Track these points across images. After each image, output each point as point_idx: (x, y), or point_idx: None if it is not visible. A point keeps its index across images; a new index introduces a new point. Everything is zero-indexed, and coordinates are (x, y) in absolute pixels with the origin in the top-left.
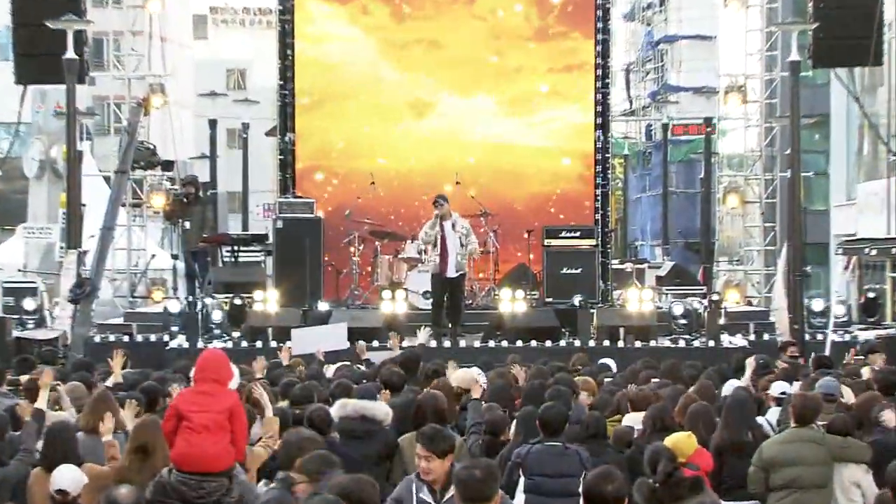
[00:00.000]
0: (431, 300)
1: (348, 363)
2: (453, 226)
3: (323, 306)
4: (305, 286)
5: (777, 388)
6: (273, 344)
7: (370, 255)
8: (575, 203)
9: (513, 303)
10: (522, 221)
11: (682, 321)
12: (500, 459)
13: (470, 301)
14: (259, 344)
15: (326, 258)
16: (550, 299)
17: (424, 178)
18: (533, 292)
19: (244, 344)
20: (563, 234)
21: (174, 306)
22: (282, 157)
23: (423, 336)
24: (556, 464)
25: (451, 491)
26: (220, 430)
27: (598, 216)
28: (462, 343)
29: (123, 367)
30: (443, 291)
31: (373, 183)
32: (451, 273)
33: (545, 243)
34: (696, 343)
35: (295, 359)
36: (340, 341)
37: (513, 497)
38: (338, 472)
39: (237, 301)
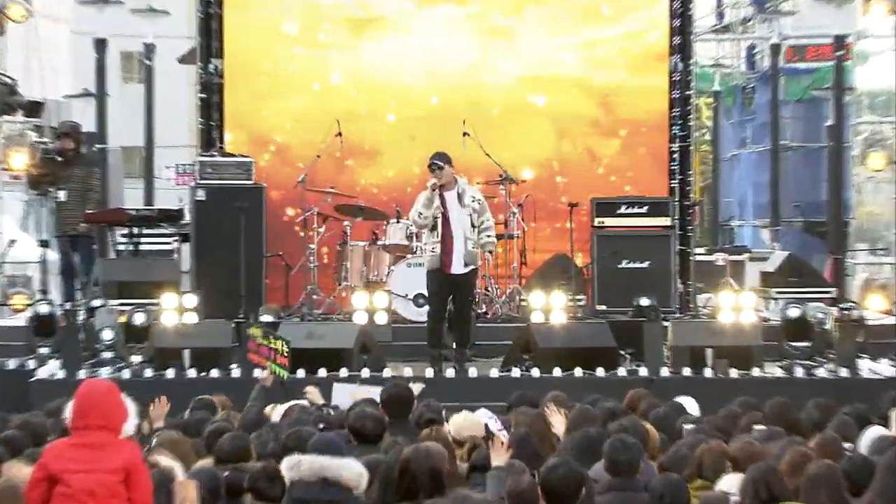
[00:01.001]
0: (428, 308)
1: (306, 402)
2: (460, 198)
3: (266, 317)
4: (239, 287)
5: None
6: (191, 373)
7: (336, 241)
8: (640, 164)
9: (548, 312)
10: (562, 191)
11: (801, 340)
12: None
13: (484, 310)
14: (170, 374)
15: (271, 246)
16: (603, 306)
17: (417, 127)
18: (577, 296)
19: (148, 373)
20: (622, 210)
21: (43, 317)
22: (204, 95)
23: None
24: None
25: None
26: (111, 497)
27: (676, 183)
28: (472, 372)
29: None
30: (444, 296)
31: (339, 134)
32: (457, 268)
33: (596, 223)
34: (822, 372)
35: (220, 396)
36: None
37: None
38: None
39: (138, 311)
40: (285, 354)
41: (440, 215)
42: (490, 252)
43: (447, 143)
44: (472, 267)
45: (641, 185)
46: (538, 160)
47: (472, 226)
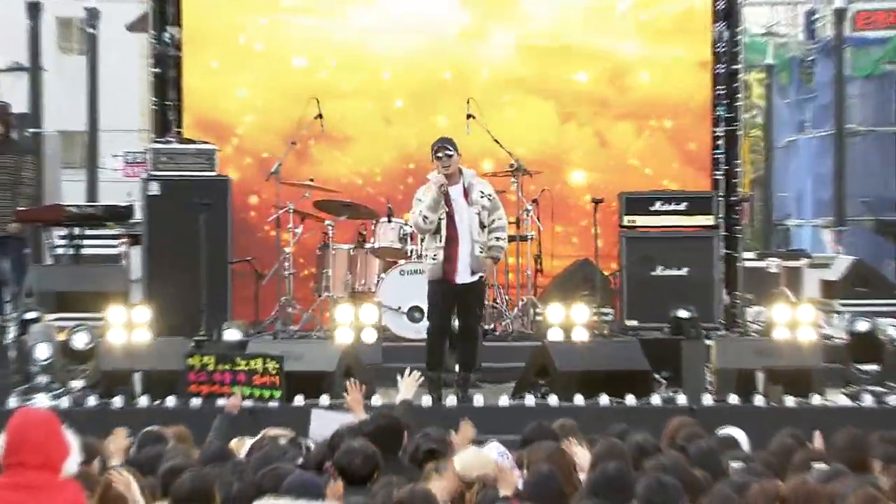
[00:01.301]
0: (428, 325)
1: (277, 435)
2: (467, 192)
3: (232, 334)
4: (200, 299)
5: None
6: (143, 401)
7: (315, 244)
8: (678, 152)
9: (568, 328)
10: (581, 186)
11: (869, 361)
12: None
13: (493, 326)
14: (118, 402)
15: (238, 250)
16: (634, 322)
17: (412, 105)
18: (603, 310)
19: (91, 401)
20: (656, 207)
21: None
22: (158, 70)
23: (407, 387)
24: None
25: None
26: None
27: (720, 175)
28: (479, 400)
29: None
30: (447, 309)
31: (319, 116)
32: (464, 277)
33: (625, 223)
34: (894, 400)
35: (177, 428)
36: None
37: None
38: None
39: (79, 328)
40: (273, 373)
41: (444, 215)
42: (495, 259)
43: (446, 126)
44: (480, 275)
45: (681, 178)
46: (542, 147)
47: (482, 225)
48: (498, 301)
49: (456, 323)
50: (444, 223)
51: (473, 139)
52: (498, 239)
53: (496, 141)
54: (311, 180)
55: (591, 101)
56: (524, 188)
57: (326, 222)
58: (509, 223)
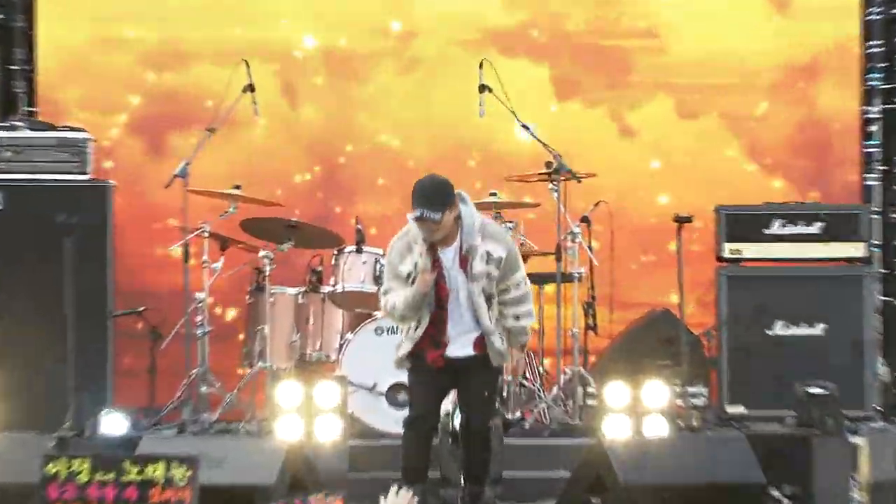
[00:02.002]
0: (407, 415)
1: None
2: (465, 259)
3: (114, 425)
4: (65, 372)
5: None
6: None
7: (244, 286)
8: (804, 140)
9: (637, 417)
10: (662, 195)
11: None
12: None
13: (520, 414)
14: None
15: (124, 296)
16: (739, 407)
17: (402, 78)
18: (693, 388)
19: None
20: (774, 230)
21: None
22: None
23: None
24: None
25: None
26: None
27: (876, 179)
28: None
29: None
30: (435, 391)
31: (249, 88)
32: (460, 349)
33: (726, 253)
34: None
35: None
36: None
37: None
38: None
39: None
40: (182, 484)
41: (433, 288)
42: (522, 345)
43: (444, 108)
44: (492, 353)
45: (803, 182)
46: (593, 138)
47: (489, 297)
48: (529, 375)
49: (456, 415)
50: (432, 297)
51: (492, 124)
52: (518, 318)
53: (525, 127)
54: (238, 187)
55: (658, 67)
56: (569, 199)
57: (261, 253)
58: (547, 254)
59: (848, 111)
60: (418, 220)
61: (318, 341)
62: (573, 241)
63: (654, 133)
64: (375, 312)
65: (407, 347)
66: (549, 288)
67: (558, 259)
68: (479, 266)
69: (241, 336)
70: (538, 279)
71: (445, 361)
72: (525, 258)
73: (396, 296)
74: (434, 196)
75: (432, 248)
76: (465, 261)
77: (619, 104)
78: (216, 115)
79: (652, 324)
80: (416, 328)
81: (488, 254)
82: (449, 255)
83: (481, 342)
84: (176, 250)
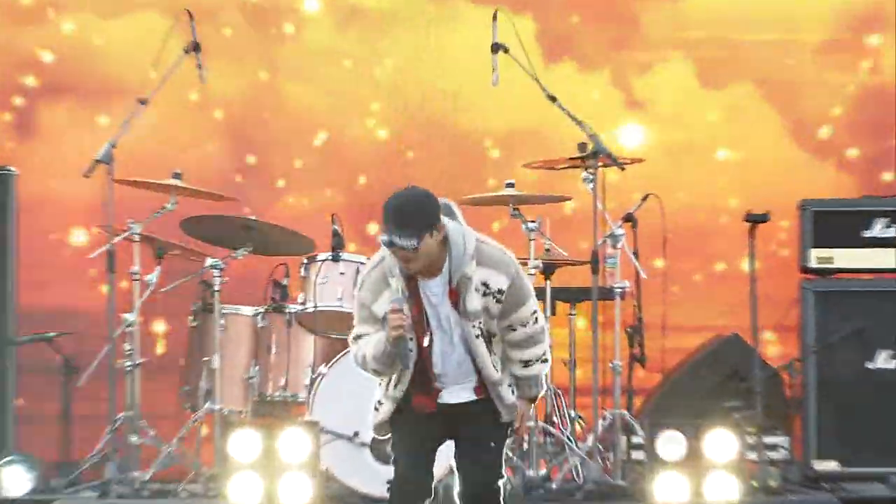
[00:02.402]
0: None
1: None
2: (455, 292)
3: (16, 483)
4: None
5: None
6: None
7: (186, 305)
8: (878, 125)
9: (698, 475)
10: (727, 189)
11: None
12: None
13: (545, 471)
14: None
15: (29, 320)
16: (831, 463)
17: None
18: (771, 439)
19: None
20: (875, 232)
21: None
22: None
23: None
24: None
25: None
26: None
27: None
28: None
29: None
30: (425, 447)
31: (194, 48)
32: (452, 397)
33: (812, 262)
34: None
35: None
36: None
37: None
38: None
39: None
40: None
41: (411, 322)
42: (531, 399)
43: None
44: (500, 403)
45: (858, 167)
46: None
47: (487, 339)
48: (556, 419)
49: (455, 468)
50: (413, 335)
51: (505, 98)
52: (527, 364)
53: (551, 98)
54: (179, 175)
55: (675, 19)
56: (607, 193)
57: (208, 261)
58: (576, 264)
59: None
60: (389, 246)
61: (283, 377)
62: (614, 246)
63: (670, 105)
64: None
65: (387, 410)
66: (584, 308)
67: (595, 270)
68: (473, 301)
69: (183, 369)
70: (569, 295)
71: (438, 407)
72: (552, 269)
73: (368, 344)
74: (410, 216)
75: (412, 281)
76: (456, 295)
77: (626, 68)
78: (153, 79)
79: (716, 354)
80: (397, 385)
81: (485, 285)
82: (435, 289)
83: (485, 387)
84: (98, 258)
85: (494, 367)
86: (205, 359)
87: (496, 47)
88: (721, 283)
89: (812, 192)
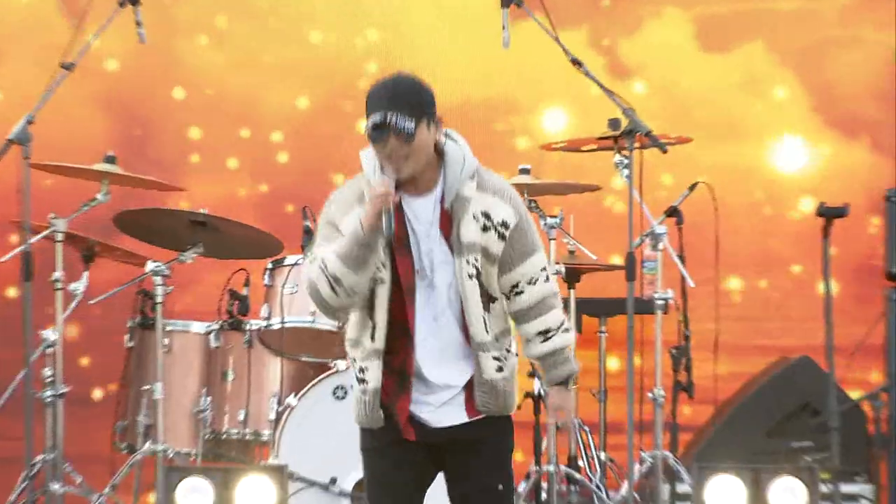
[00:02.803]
0: None
1: None
2: (448, 216)
3: None
4: None
5: None
6: None
7: (122, 320)
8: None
9: None
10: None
11: None
12: None
13: None
14: None
15: None
16: None
17: None
18: (851, 487)
19: None
20: None
21: None
22: None
23: None
24: None
25: None
26: None
27: None
28: None
29: None
30: (415, 490)
31: (138, 24)
32: (446, 415)
33: None
34: None
35: None
36: None
37: None
38: None
39: None
40: None
41: (386, 270)
42: (566, 383)
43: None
44: (489, 414)
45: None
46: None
47: (487, 299)
48: (582, 464)
49: None
50: (382, 290)
51: (519, 63)
52: (546, 334)
53: (576, 62)
54: (113, 159)
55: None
56: (645, 180)
57: (149, 265)
58: (607, 269)
59: None
60: (378, 130)
61: (242, 410)
62: (655, 247)
63: (664, 72)
64: (335, 362)
65: (376, 375)
66: (616, 323)
67: (630, 277)
68: (470, 230)
69: (117, 401)
70: (598, 308)
71: (417, 433)
72: (577, 275)
73: (326, 241)
74: (406, 94)
75: (397, 204)
76: (448, 220)
77: (607, 26)
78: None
79: (783, 382)
80: (373, 336)
81: (486, 216)
82: (423, 210)
83: (487, 398)
84: (11, 262)
85: (486, 327)
86: (144, 387)
87: (507, 0)
88: (788, 294)
89: (845, 177)
